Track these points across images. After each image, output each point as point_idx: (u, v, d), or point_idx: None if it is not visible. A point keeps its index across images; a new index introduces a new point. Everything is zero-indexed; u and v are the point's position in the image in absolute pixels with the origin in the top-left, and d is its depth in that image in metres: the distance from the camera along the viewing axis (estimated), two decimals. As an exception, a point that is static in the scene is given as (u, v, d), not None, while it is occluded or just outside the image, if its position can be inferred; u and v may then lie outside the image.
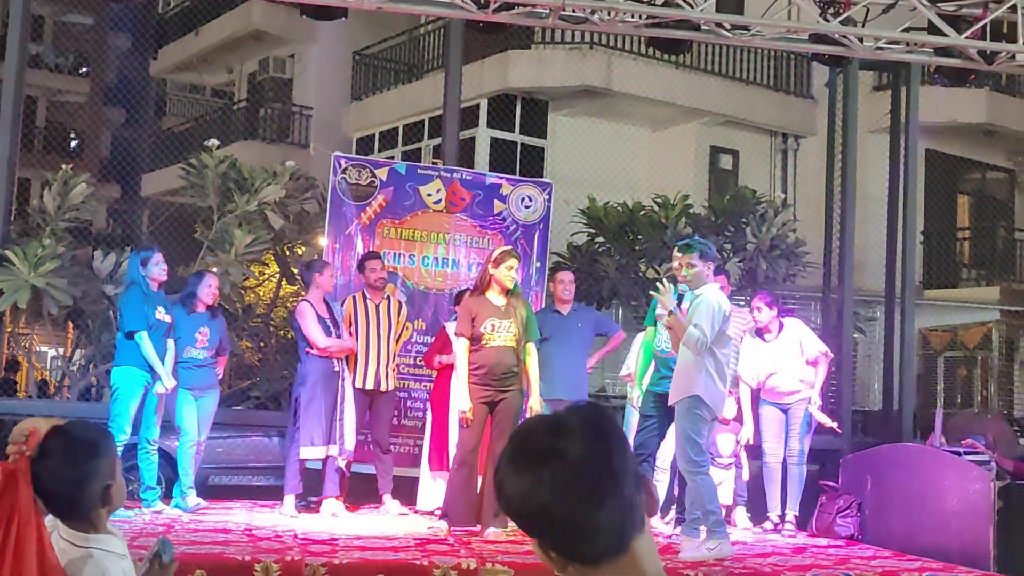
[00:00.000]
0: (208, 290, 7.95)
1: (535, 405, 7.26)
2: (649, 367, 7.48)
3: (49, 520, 2.56)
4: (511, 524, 7.35)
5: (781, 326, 8.38)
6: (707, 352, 6.51)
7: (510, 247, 7.59)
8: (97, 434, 2.66)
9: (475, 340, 7.05)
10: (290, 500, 7.83)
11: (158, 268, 7.64)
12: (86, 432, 2.62)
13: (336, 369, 7.91)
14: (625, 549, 1.56)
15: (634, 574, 1.56)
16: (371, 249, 8.84)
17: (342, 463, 7.92)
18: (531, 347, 7.22)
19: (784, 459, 8.25)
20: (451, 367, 7.73)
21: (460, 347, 7.13)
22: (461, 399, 7.05)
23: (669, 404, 6.73)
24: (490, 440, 7.15)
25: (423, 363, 8.70)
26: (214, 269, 9.16)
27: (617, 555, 1.55)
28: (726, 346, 6.83)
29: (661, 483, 7.81)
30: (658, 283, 6.78)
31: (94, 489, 2.57)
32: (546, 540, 1.58)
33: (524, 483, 1.56)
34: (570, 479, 1.54)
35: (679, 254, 6.71)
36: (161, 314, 7.61)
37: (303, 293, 8.51)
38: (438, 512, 7.43)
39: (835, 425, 8.76)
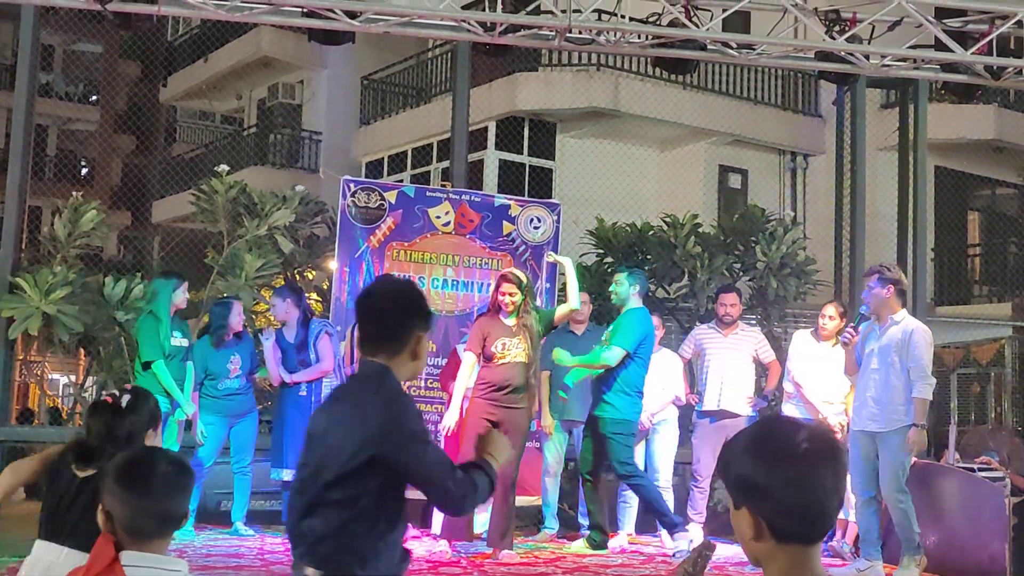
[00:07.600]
0: (239, 319, 8.16)
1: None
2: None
3: None
4: (523, 547, 7.34)
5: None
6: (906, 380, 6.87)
7: (507, 270, 7.60)
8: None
9: (488, 359, 7.10)
10: None
11: (184, 298, 7.86)
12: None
13: (303, 393, 8.01)
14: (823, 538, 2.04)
15: (819, 555, 2.03)
16: (382, 272, 8.84)
17: None
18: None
19: None
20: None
21: (466, 361, 7.19)
22: (451, 412, 7.14)
23: (866, 430, 6.88)
24: None
25: (436, 385, 8.69)
26: (227, 295, 9.20)
27: (822, 540, 2.04)
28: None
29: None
30: None
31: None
32: (785, 523, 1.97)
33: (788, 475, 1.96)
34: (831, 477, 1.98)
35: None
36: (177, 340, 7.71)
37: (311, 317, 8.55)
38: (483, 536, 7.35)
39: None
